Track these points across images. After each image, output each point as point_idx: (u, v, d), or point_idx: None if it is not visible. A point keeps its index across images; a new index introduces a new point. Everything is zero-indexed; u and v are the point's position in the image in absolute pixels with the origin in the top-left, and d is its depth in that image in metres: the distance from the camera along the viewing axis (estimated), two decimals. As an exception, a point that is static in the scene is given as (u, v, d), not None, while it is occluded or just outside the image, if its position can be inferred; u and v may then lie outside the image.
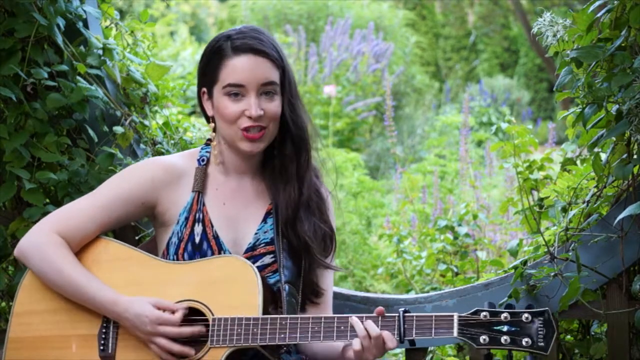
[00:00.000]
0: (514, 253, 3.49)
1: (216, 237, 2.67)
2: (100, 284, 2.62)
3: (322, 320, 2.51)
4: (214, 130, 2.72)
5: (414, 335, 2.46)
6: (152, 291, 2.61)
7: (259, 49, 2.64)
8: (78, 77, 3.33)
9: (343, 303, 3.23)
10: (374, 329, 2.47)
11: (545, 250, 3.10)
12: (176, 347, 2.53)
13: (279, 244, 2.69)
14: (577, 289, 2.94)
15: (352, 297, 3.28)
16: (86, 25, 3.43)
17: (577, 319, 3.24)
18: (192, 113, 8.75)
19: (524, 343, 2.40)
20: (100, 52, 3.39)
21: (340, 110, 10.31)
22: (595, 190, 3.16)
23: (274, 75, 2.66)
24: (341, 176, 7.33)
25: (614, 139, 3.01)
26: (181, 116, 3.83)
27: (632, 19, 2.80)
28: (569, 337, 3.30)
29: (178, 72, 11.01)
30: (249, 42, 2.64)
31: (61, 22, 3.29)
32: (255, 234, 2.71)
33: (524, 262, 3.13)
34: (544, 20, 2.90)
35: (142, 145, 3.47)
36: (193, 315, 2.57)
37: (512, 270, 3.13)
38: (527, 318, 2.41)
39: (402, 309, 2.48)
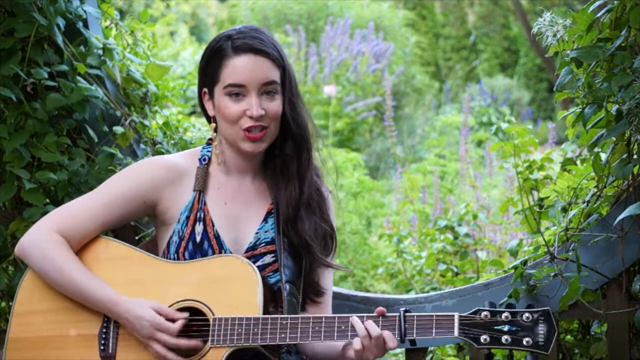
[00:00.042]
0: (514, 253, 3.49)
1: (217, 237, 2.67)
2: (100, 283, 2.62)
3: (323, 320, 2.51)
4: (215, 130, 2.72)
5: (414, 335, 2.46)
6: (153, 291, 2.61)
7: (259, 49, 2.64)
8: (78, 77, 3.33)
9: (343, 303, 3.23)
10: (374, 328, 2.47)
11: (545, 250, 3.10)
12: (171, 356, 2.53)
13: (280, 243, 2.69)
14: (577, 289, 2.94)
15: (352, 297, 3.28)
16: (86, 25, 3.43)
17: (577, 319, 3.24)
18: (192, 113, 8.75)
19: (524, 342, 2.40)
20: (100, 52, 3.39)
21: (340, 110, 10.31)
22: (595, 190, 3.16)
23: (275, 75, 2.66)
24: (341, 176, 7.33)
25: (614, 139, 3.01)
26: (181, 116, 3.83)
27: (632, 19, 2.80)
28: (569, 337, 3.29)
29: (178, 72, 11.01)
30: (250, 42, 2.64)
31: (61, 22, 3.29)
32: (256, 233, 2.71)
33: (524, 262, 3.13)
34: (544, 20, 2.90)
35: (142, 145, 3.47)
36: (194, 315, 2.57)
37: (512, 270, 3.13)
38: (527, 317, 2.41)
39: (403, 309, 2.48)
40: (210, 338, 2.53)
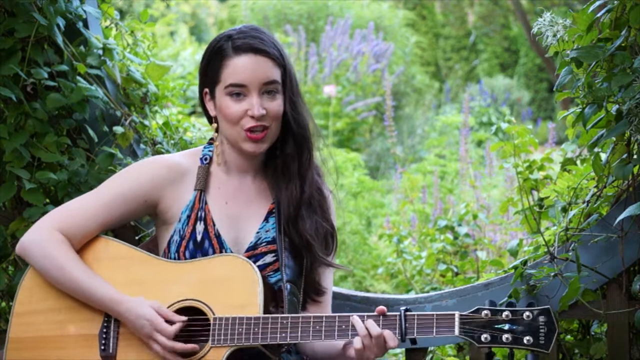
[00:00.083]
0: (514, 253, 3.49)
1: (218, 236, 2.67)
2: (101, 282, 2.62)
3: (324, 319, 2.51)
4: (217, 130, 2.72)
5: (415, 334, 2.46)
6: (153, 290, 2.61)
7: (259, 48, 2.64)
8: (78, 77, 3.33)
9: (343, 303, 3.23)
10: (375, 328, 2.47)
11: (545, 250, 3.10)
12: (169, 356, 2.54)
13: (281, 242, 2.69)
14: (577, 289, 2.94)
15: (352, 297, 3.28)
16: (86, 25, 3.43)
17: (577, 319, 3.24)
18: (192, 113, 8.75)
19: (525, 341, 2.40)
20: (100, 52, 3.39)
21: (340, 110, 10.31)
22: (595, 190, 3.16)
23: (276, 74, 2.66)
24: (341, 176, 7.33)
25: (614, 139, 3.01)
26: (181, 116, 3.83)
27: (632, 19, 2.81)
28: (569, 337, 3.30)
29: (178, 72, 11.01)
30: (250, 42, 2.64)
31: (61, 22, 3.29)
32: (257, 232, 2.71)
33: (524, 262, 3.13)
34: (544, 20, 2.90)
35: (142, 145, 3.47)
36: (194, 314, 2.57)
37: (512, 270, 3.13)
38: (528, 316, 2.41)
39: (404, 308, 2.48)
40: (210, 338, 2.53)
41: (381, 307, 2.50)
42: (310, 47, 11.14)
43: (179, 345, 2.53)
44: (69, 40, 3.36)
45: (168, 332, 2.53)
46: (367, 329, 2.47)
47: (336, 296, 3.11)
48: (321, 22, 12.82)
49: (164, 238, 2.73)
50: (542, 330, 2.40)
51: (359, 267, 6.39)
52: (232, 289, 2.56)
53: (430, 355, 3.66)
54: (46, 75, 3.25)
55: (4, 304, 3.47)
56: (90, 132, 3.36)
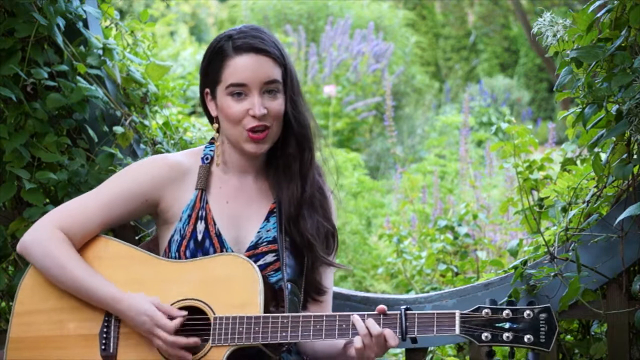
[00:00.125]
0: (514, 253, 3.49)
1: (219, 235, 2.67)
2: (102, 280, 2.62)
3: (324, 319, 2.51)
4: (218, 131, 2.73)
5: (415, 333, 2.46)
6: (154, 290, 2.61)
7: (260, 48, 2.64)
8: (78, 77, 3.33)
9: (343, 303, 3.23)
10: (375, 327, 2.47)
11: (545, 250, 3.10)
12: (171, 351, 2.54)
13: (282, 242, 2.69)
14: (577, 289, 2.94)
15: (352, 297, 3.28)
16: (86, 25, 3.43)
17: (577, 319, 3.24)
18: (192, 113, 8.75)
19: (525, 340, 2.40)
20: (100, 52, 3.39)
21: (340, 110, 10.31)
22: (595, 190, 3.16)
23: (276, 74, 2.66)
24: (341, 176, 7.33)
25: (614, 139, 3.01)
26: (181, 116, 3.83)
27: (632, 19, 2.81)
28: (569, 337, 3.30)
29: (178, 72, 11.01)
30: (250, 41, 2.64)
31: (61, 22, 3.29)
32: (258, 232, 2.71)
33: (524, 262, 3.13)
34: (544, 20, 2.90)
35: (142, 145, 3.47)
36: (195, 314, 2.57)
37: (512, 270, 3.13)
38: (528, 315, 2.41)
39: (404, 307, 2.48)
40: (211, 337, 2.53)
41: (381, 306, 2.50)
42: (310, 47, 11.14)
43: (181, 340, 2.53)
44: (69, 40, 3.36)
45: (169, 327, 2.53)
46: (367, 328, 2.47)
47: (336, 296, 3.11)
48: (321, 22, 12.82)
49: (164, 237, 2.73)
50: (542, 329, 2.40)
51: (359, 267, 6.39)
52: (232, 288, 2.56)
53: (430, 355, 3.66)
54: (46, 75, 3.25)
55: (3, 304, 3.47)
56: (90, 132, 3.36)
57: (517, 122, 3.51)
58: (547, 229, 3.37)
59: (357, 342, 2.48)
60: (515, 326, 2.42)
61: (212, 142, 2.78)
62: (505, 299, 3.05)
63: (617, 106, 2.87)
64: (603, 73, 2.90)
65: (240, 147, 2.68)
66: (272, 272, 2.68)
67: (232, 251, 2.66)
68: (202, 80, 2.73)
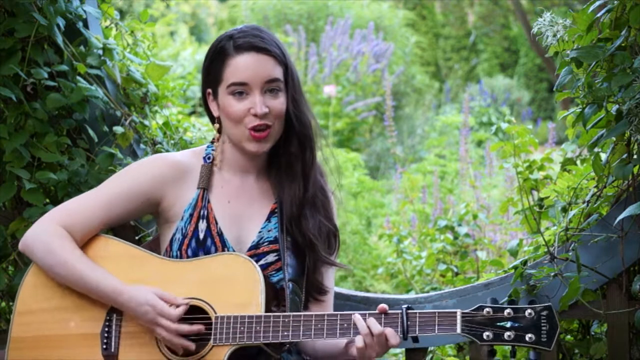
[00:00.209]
0: (514, 253, 3.49)
1: (220, 234, 2.68)
2: (104, 274, 2.62)
3: (325, 318, 2.51)
4: (218, 131, 2.73)
5: (417, 332, 2.46)
6: (154, 290, 2.61)
7: (261, 47, 2.64)
8: (78, 77, 3.33)
9: (343, 303, 3.23)
10: (376, 326, 2.47)
11: (545, 250, 3.10)
12: (176, 340, 2.54)
13: (283, 242, 2.69)
14: (577, 289, 2.94)
15: (352, 297, 3.28)
16: (86, 25, 3.43)
17: (577, 319, 3.24)
18: (192, 113, 8.75)
19: (527, 339, 2.40)
20: (100, 52, 3.39)
21: (340, 110, 10.31)
22: (595, 190, 3.16)
23: (277, 72, 2.66)
24: (342, 176, 7.33)
25: (614, 139, 3.01)
26: (181, 116, 3.83)
27: (632, 19, 2.81)
28: (569, 337, 3.30)
29: (178, 72, 11.01)
30: (251, 40, 2.64)
31: (61, 22, 3.29)
32: (259, 232, 2.71)
33: (524, 262, 3.13)
34: (544, 20, 2.90)
35: (142, 145, 3.47)
36: (196, 313, 2.57)
37: (512, 270, 3.13)
38: (530, 314, 2.41)
39: (405, 306, 2.48)
40: (212, 336, 2.53)
41: (382, 305, 2.50)
42: (310, 47, 11.14)
43: (185, 327, 2.53)
44: (69, 40, 3.36)
45: (172, 315, 2.53)
46: (368, 327, 2.47)
47: (336, 296, 3.11)
48: (321, 22, 12.82)
49: (166, 236, 2.73)
50: (544, 328, 2.40)
51: (359, 267, 6.39)
52: (234, 287, 2.56)
53: (430, 355, 3.66)
54: (46, 75, 3.25)
55: (3, 304, 3.47)
56: (90, 132, 3.36)
57: (517, 122, 3.51)
58: (547, 229, 3.37)
59: (359, 341, 2.48)
60: (516, 325, 2.42)
61: (214, 141, 2.78)
62: (506, 298, 3.05)
63: (617, 106, 2.88)
64: (603, 73, 2.90)
65: (242, 146, 2.68)
66: (273, 272, 2.68)
67: (234, 251, 2.66)
68: (204, 81, 2.73)
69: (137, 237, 3.30)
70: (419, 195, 6.74)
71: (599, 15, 2.91)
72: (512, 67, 17.47)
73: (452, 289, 3.33)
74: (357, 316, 2.49)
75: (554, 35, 2.89)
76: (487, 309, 2.43)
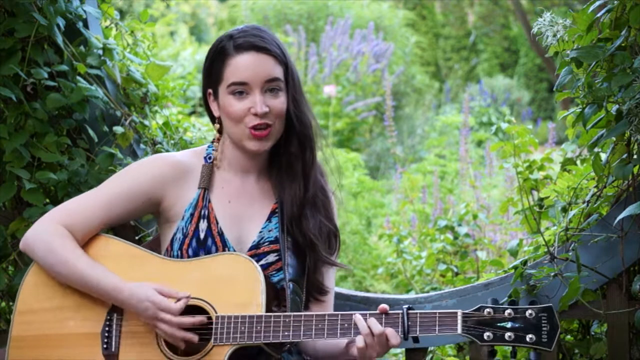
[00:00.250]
0: (514, 253, 3.49)
1: (221, 234, 2.68)
2: (104, 271, 2.62)
3: (326, 318, 2.51)
4: (219, 131, 2.73)
5: (417, 332, 2.46)
6: (155, 290, 2.61)
7: (261, 46, 2.64)
8: (78, 77, 3.33)
9: (343, 303, 3.23)
10: (377, 326, 2.47)
11: (545, 250, 3.10)
12: (178, 333, 2.53)
13: (284, 242, 2.69)
14: (577, 289, 2.94)
15: (352, 297, 3.28)
16: (86, 25, 3.43)
17: (577, 319, 3.24)
18: (192, 113, 8.75)
19: (527, 339, 2.40)
20: (100, 52, 3.39)
21: (340, 110, 10.31)
22: (595, 190, 3.16)
23: (278, 72, 2.66)
24: (342, 176, 7.32)
25: (614, 139, 3.01)
26: (181, 116, 3.83)
27: (632, 19, 2.81)
28: (569, 337, 3.30)
29: (178, 72, 11.00)
30: (251, 40, 2.64)
31: (61, 22, 3.29)
32: (260, 232, 2.71)
33: (524, 262, 3.13)
34: (544, 20, 2.90)
35: (142, 145, 3.47)
36: (197, 313, 2.57)
37: (512, 270, 3.13)
38: (530, 314, 2.41)
39: (406, 306, 2.48)
40: (213, 336, 2.53)
41: (383, 305, 2.50)
42: (310, 47, 11.14)
43: (187, 320, 2.53)
44: (69, 40, 3.36)
45: (173, 309, 2.53)
46: (369, 327, 2.48)
47: (336, 296, 3.11)
48: (321, 22, 12.82)
49: (166, 236, 2.73)
50: (544, 329, 2.40)
51: (359, 267, 6.39)
52: (234, 287, 2.56)
53: (430, 355, 3.66)
54: (46, 75, 3.25)
55: (3, 304, 3.47)
56: (90, 132, 3.36)
57: (517, 122, 3.51)
58: (547, 229, 3.37)
59: (359, 341, 2.48)
60: (517, 326, 2.42)
61: (214, 141, 2.78)
62: (506, 299, 3.05)
63: (617, 106, 2.88)
64: (603, 73, 2.90)
65: (242, 145, 2.68)
66: (274, 272, 2.68)
67: (235, 250, 2.67)
68: (204, 81, 2.73)
69: (137, 237, 3.30)
70: (419, 195, 6.74)
71: (599, 15, 2.91)
72: (512, 67, 17.47)
73: (452, 289, 3.33)
74: (357, 316, 2.49)
75: (554, 35, 2.89)
76: (488, 310, 2.43)
